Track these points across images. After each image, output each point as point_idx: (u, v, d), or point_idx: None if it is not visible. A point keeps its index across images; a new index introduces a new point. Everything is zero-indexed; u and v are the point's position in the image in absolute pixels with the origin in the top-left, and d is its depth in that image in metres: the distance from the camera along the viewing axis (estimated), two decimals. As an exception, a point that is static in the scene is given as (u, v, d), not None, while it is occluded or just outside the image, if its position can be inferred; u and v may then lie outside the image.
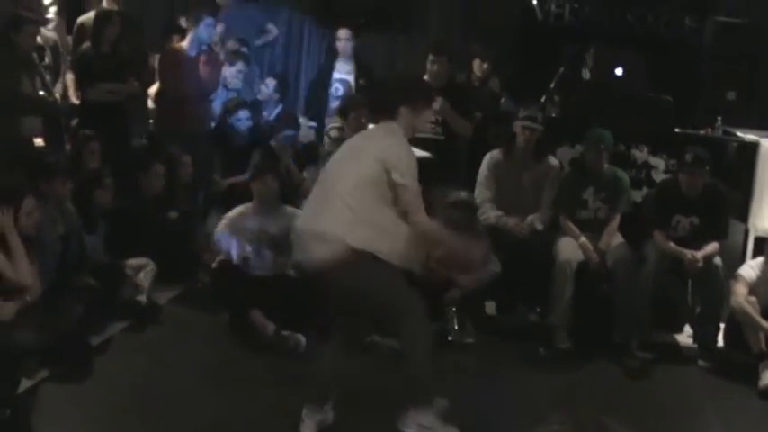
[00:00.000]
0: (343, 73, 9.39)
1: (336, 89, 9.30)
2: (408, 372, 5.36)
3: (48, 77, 7.83)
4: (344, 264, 4.99)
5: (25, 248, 5.78)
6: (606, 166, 7.64)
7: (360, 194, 5.08)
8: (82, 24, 8.83)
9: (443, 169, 7.92)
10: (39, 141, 7.53)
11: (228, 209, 7.64)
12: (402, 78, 6.32)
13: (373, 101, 6.37)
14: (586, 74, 9.48)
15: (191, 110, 8.74)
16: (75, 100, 8.49)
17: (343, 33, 9.42)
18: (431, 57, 8.11)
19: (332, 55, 9.49)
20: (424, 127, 5.57)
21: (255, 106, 9.80)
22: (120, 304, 7.06)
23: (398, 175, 5.12)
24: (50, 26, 8.85)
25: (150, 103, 9.50)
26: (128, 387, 5.90)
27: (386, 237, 5.09)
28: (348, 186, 5.09)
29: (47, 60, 8.24)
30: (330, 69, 9.34)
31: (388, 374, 6.46)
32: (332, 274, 5.07)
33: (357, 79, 9.35)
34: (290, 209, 7.26)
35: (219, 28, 9.80)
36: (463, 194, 7.42)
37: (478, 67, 9.27)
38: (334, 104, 9.17)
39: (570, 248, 7.42)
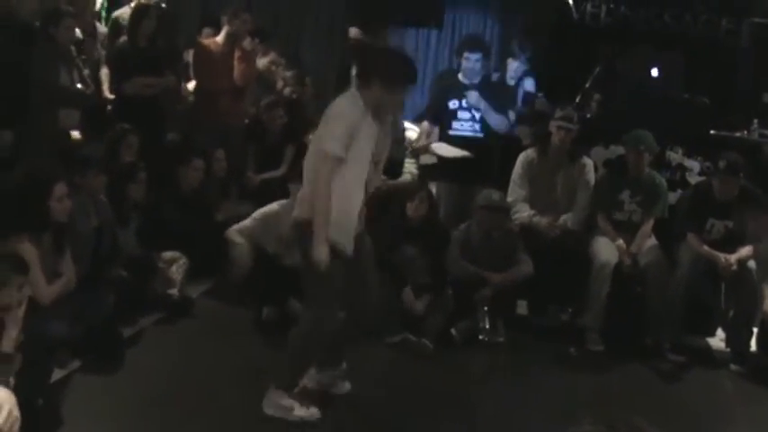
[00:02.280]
0: None
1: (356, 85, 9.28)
2: (287, 351, 5.50)
3: (86, 71, 7.86)
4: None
5: (59, 238, 5.81)
6: (647, 170, 7.58)
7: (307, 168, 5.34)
8: (116, 19, 8.86)
9: (480, 167, 7.93)
10: (75, 134, 7.56)
11: (260, 204, 7.65)
12: (387, 53, 6.26)
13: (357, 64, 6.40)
14: (622, 74, 9.39)
15: (225, 104, 8.76)
16: (108, 94, 8.51)
17: (353, 32, 9.42)
18: (465, 54, 8.12)
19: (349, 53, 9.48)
20: (394, 108, 5.55)
21: (292, 104, 9.81)
22: (152, 297, 7.09)
23: (324, 143, 5.19)
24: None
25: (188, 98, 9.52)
26: (159, 379, 5.92)
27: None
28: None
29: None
30: (350, 66, 9.33)
31: (415, 374, 6.50)
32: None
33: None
34: None
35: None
36: (495, 195, 7.40)
37: (513, 67, 9.24)
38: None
39: (608, 250, 7.39)
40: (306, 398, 5.49)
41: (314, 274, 5.18)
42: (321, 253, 5.13)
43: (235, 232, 7.45)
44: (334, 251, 5.19)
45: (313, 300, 5.39)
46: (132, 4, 8.71)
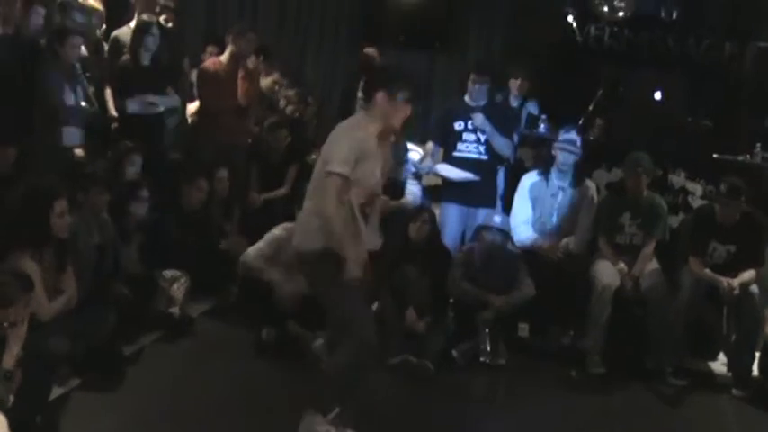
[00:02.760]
0: None
1: (361, 106, 9.30)
2: (329, 376, 5.33)
3: (90, 89, 7.87)
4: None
5: (60, 255, 5.81)
6: (646, 192, 7.59)
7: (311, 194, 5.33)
8: (116, 38, 8.82)
9: (483, 189, 7.93)
10: (79, 152, 7.57)
11: (262, 223, 7.65)
12: (388, 67, 6.28)
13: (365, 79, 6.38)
14: (625, 97, 9.41)
15: (228, 124, 8.76)
16: (113, 112, 8.51)
17: (368, 51, 9.42)
18: (473, 76, 8.15)
19: (358, 71, 9.49)
20: (398, 121, 5.38)
21: (295, 124, 9.83)
22: (153, 315, 7.08)
23: (330, 165, 5.11)
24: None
25: (189, 119, 9.52)
26: (158, 398, 5.91)
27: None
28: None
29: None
30: (356, 86, 9.35)
31: (416, 395, 6.49)
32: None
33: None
34: None
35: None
36: (496, 218, 7.41)
37: (515, 86, 9.25)
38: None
39: (609, 273, 7.38)
40: (342, 421, 5.36)
41: (338, 299, 5.18)
42: (353, 270, 5.07)
43: (255, 258, 7.40)
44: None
45: (347, 324, 5.21)
46: (132, 24, 8.72)
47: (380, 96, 5.27)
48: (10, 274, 4.80)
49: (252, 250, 7.46)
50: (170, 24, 9.32)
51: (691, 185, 8.50)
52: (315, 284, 5.36)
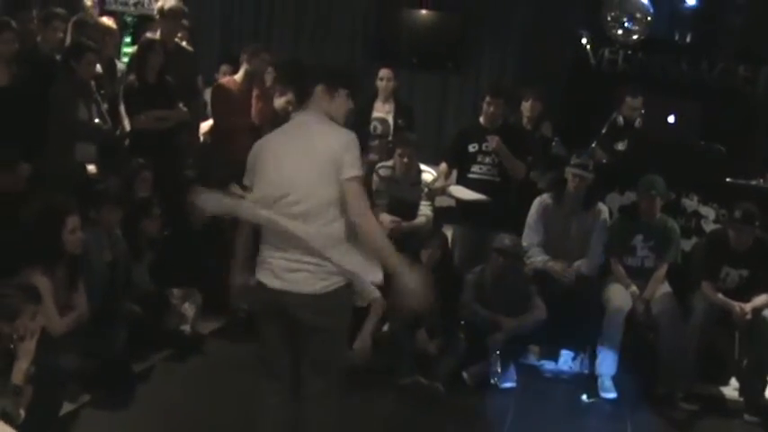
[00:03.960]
0: (381, 112, 9.38)
1: (375, 127, 9.30)
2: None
3: (104, 106, 7.90)
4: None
5: (72, 271, 5.83)
6: (658, 215, 7.58)
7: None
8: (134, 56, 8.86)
9: (496, 211, 7.93)
10: (92, 168, 7.59)
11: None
12: (323, 64, 5.91)
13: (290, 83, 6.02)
14: (638, 121, 9.38)
15: (241, 143, 8.74)
16: (128, 129, 8.54)
17: (383, 73, 9.42)
18: (487, 98, 8.18)
19: (372, 94, 9.50)
20: (339, 117, 4.87)
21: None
22: (163, 333, 7.08)
23: (345, 171, 4.61)
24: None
25: (202, 138, 9.54)
26: (168, 415, 5.92)
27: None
28: None
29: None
30: (370, 108, 9.35)
31: (426, 417, 6.47)
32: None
33: (396, 119, 9.35)
34: None
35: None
36: (507, 240, 7.39)
37: (528, 108, 9.24)
38: (373, 143, 9.19)
39: (621, 296, 7.37)
40: None
41: (339, 334, 4.88)
42: (411, 281, 4.62)
43: None
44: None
45: (334, 363, 4.86)
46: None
47: (320, 89, 4.82)
48: (15, 286, 4.80)
49: None
50: (184, 43, 9.34)
51: (704, 209, 8.47)
52: (328, 331, 4.75)
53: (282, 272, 4.63)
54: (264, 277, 4.69)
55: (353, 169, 4.60)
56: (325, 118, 4.77)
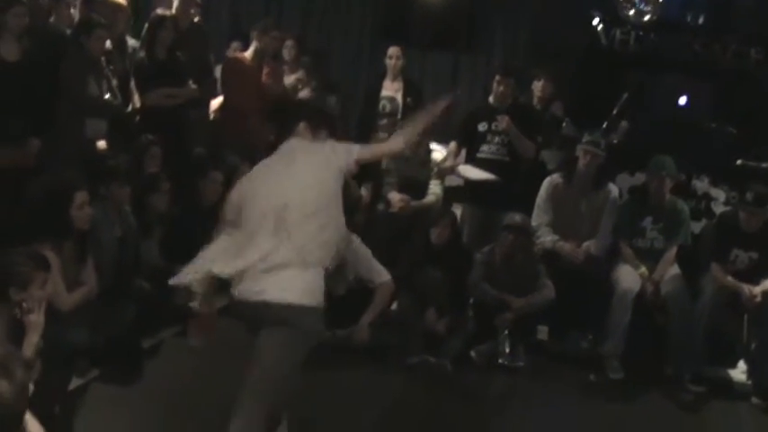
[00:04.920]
0: (390, 91, 9.38)
1: (384, 106, 9.30)
2: None
3: (114, 82, 7.89)
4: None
5: (81, 247, 5.83)
6: (668, 196, 7.55)
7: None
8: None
9: (506, 191, 7.92)
10: (102, 144, 7.59)
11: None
12: (301, 102, 6.05)
13: (272, 119, 6.02)
14: (650, 102, 9.35)
15: (252, 120, 8.76)
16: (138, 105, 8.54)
17: (392, 51, 9.41)
18: (497, 77, 8.20)
19: (381, 72, 9.50)
20: None
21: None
22: (172, 309, 7.08)
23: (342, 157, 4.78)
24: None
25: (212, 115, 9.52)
26: (176, 391, 5.93)
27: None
28: None
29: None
30: (378, 87, 9.35)
31: (434, 395, 6.48)
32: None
33: (404, 98, 9.35)
34: (348, 237, 7.09)
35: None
36: (517, 217, 7.39)
37: (539, 88, 9.22)
38: (382, 122, 9.19)
39: (631, 278, 7.35)
40: None
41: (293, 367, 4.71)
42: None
43: None
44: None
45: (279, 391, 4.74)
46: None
47: (303, 126, 4.95)
48: (26, 254, 4.81)
49: None
50: (197, 19, 9.32)
51: (714, 191, 8.46)
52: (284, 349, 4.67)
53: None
54: None
55: (353, 152, 4.80)
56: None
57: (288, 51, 9.75)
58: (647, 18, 10.77)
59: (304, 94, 9.85)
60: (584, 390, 7.00)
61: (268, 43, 9.01)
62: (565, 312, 7.53)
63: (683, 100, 10.90)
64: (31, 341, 4.53)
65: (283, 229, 4.58)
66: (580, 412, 6.56)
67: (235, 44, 10.05)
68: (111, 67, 7.94)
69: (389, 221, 8.11)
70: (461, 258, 7.43)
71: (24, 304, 4.57)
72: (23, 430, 2.87)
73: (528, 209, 7.76)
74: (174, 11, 8.78)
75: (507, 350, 7.17)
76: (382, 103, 9.30)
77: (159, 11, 8.77)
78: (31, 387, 4.48)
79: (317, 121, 5.00)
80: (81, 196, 5.74)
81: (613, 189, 7.88)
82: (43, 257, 4.92)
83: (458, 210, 8.29)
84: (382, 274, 6.85)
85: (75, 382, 5.52)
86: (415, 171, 8.26)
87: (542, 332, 7.74)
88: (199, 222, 7.66)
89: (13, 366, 2.59)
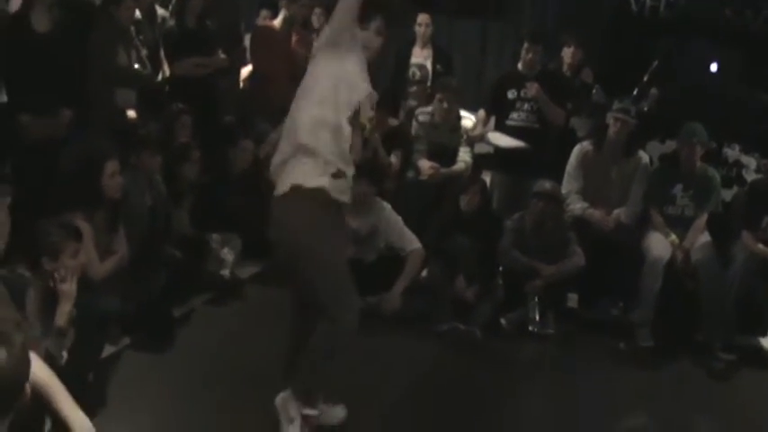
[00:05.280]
0: (420, 58, 9.39)
1: (413, 73, 9.31)
2: (305, 361, 4.88)
3: (144, 51, 7.90)
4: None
5: (112, 216, 5.87)
6: (699, 164, 7.50)
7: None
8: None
9: (536, 158, 7.91)
10: (132, 114, 7.62)
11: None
12: None
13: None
14: (681, 69, 9.29)
15: (281, 88, 8.74)
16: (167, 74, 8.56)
17: (422, 18, 9.40)
18: (526, 45, 8.16)
19: (410, 39, 9.48)
20: (372, 52, 4.77)
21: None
22: (203, 277, 7.13)
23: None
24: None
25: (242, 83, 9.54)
26: (207, 359, 5.97)
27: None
28: None
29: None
30: (408, 54, 9.35)
31: (464, 362, 6.50)
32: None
33: (434, 65, 9.35)
34: (379, 204, 7.14)
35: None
36: (548, 184, 7.36)
37: (569, 55, 9.17)
38: (412, 89, 9.20)
39: (661, 245, 7.31)
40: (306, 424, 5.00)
41: (325, 271, 4.68)
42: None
43: None
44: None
45: (330, 305, 4.69)
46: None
47: (376, 23, 4.74)
48: (57, 224, 4.85)
49: None
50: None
51: (745, 159, 8.42)
52: (300, 242, 4.65)
53: None
54: None
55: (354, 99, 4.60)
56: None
57: (317, 18, 9.73)
58: (677, -16, 10.69)
59: None
60: (613, 357, 6.98)
61: (297, 11, 9.01)
62: (595, 280, 7.51)
63: (713, 66, 10.83)
64: (64, 310, 4.57)
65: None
66: (609, 380, 6.55)
67: (264, 12, 10.04)
68: (141, 37, 7.97)
69: (419, 189, 8.11)
70: (491, 226, 7.43)
71: (56, 274, 4.61)
72: (26, 396, 2.84)
73: (558, 176, 7.72)
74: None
75: (537, 317, 7.17)
76: (412, 69, 9.30)
77: None
78: (65, 355, 4.56)
79: (368, 19, 4.72)
80: (112, 165, 5.78)
81: (644, 156, 7.82)
82: (74, 227, 4.96)
83: (487, 177, 8.29)
84: (413, 242, 6.88)
85: (107, 350, 5.55)
86: (444, 138, 8.26)
87: (572, 299, 7.72)
88: (229, 191, 7.72)
89: (11, 333, 2.54)
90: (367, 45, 4.74)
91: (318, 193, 4.58)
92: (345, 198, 4.72)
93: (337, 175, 4.60)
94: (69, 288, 4.61)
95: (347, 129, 4.58)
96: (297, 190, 4.59)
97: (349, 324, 4.70)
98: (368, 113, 4.78)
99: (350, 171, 4.68)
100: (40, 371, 3.73)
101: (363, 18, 4.68)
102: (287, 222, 4.66)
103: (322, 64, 4.69)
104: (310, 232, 4.62)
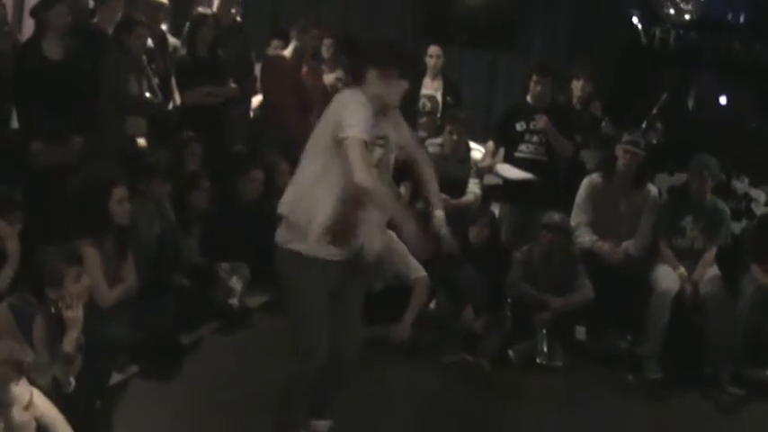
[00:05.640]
0: (430, 89, 9.42)
1: (423, 104, 9.34)
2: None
3: (155, 80, 7.94)
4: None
5: (121, 243, 5.88)
6: (709, 196, 7.51)
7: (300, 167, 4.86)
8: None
9: (544, 190, 7.91)
10: (142, 142, 7.64)
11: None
12: (377, 41, 5.80)
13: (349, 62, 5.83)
14: (690, 101, 9.30)
15: (291, 118, 8.78)
16: (177, 103, 8.59)
17: (433, 50, 9.44)
18: (534, 77, 8.17)
19: (421, 71, 9.51)
20: (394, 101, 4.81)
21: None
22: (211, 306, 7.13)
23: (343, 128, 4.50)
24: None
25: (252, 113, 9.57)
26: (215, 388, 5.96)
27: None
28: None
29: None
30: (418, 85, 9.37)
31: (471, 394, 6.48)
32: None
33: (444, 96, 9.38)
34: (386, 234, 7.09)
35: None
36: (557, 216, 7.37)
37: (578, 87, 9.20)
38: (422, 120, 9.22)
39: (669, 278, 7.31)
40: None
41: (296, 296, 4.81)
42: (413, 236, 4.62)
43: None
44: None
45: (294, 330, 4.92)
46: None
47: (372, 74, 4.72)
48: (55, 252, 4.84)
49: None
50: (237, 18, 9.38)
51: (754, 192, 8.41)
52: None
53: None
54: None
55: (350, 129, 4.47)
56: (360, 92, 4.69)
57: (326, 50, 9.77)
58: (687, 17, 10.72)
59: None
60: (621, 390, 6.97)
61: (307, 41, 9.03)
62: (603, 312, 7.49)
63: (723, 99, 10.84)
64: (71, 337, 4.57)
65: None
66: (617, 413, 6.53)
67: (276, 42, 10.08)
68: (152, 66, 8.00)
69: (428, 220, 8.09)
70: (500, 257, 7.43)
71: (60, 303, 4.61)
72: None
73: (567, 208, 7.73)
74: (215, 9, 8.84)
75: (545, 349, 7.16)
76: (422, 101, 9.33)
77: (201, 9, 8.84)
78: (72, 382, 4.56)
79: (388, 64, 4.72)
80: (120, 191, 5.78)
81: (653, 189, 7.83)
82: (73, 251, 4.96)
83: (496, 209, 8.29)
84: (418, 270, 6.88)
85: (114, 378, 5.55)
86: (453, 170, 8.26)
87: (580, 332, 7.71)
88: (238, 220, 7.72)
89: None
90: (389, 99, 4.80)
91: None
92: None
93: None
94: (75, 314, 4.61)
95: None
96: None
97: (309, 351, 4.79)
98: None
99: None
100: (45, 407, 3.75)
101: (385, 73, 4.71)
102: None
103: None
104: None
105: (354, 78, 4.89)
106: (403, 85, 4.81)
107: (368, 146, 4.54)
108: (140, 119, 7.69)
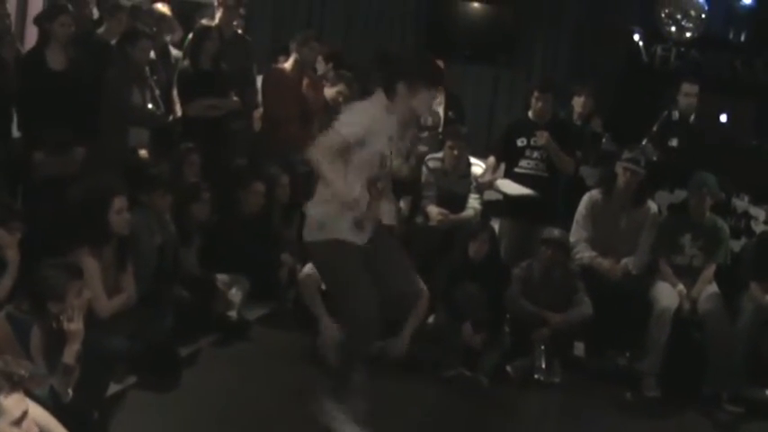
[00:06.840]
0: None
1: (425, 119, 9.34)
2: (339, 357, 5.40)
3: (157, 91, 7.96)
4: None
5: (121, 254, 5.88)
6: (708, 214, 7.52)
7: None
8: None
9: (544, 206, 7.92)
10: (143, 153, 7.65)
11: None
12: (406, 56, 6.23)
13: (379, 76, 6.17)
14: (693, 117, 9.29)
15: (291, 131, 8.78)
16: (179, 114, 8.60)
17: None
18: (536, 93, 8.20)
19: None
20: (423, 111, 5.38)
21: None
22: (210, 318, 7.12)
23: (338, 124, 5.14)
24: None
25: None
26: (213, 400, 5.95)
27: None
28: None
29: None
30: None
31: (469, 409, 6.47)
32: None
33: (446, 111, 9.39)
34: None
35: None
36: (556, 232, 7.38)
37: (579, 104, 9.21)
38: (423, 134, 9.23)
39: (668, 295, 7.31)
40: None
41: (340, 272, 5.22)
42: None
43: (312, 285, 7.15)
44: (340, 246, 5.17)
45: (344, 301, 5.26)
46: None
47: (401, 87, 5.13)
48: (56, 266, 4.85)
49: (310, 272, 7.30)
50: (240, 30, 9.40)
51: (754, 210, 8.40)
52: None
53: None
54: None
55: (342, 126, 5.09)
56: (379, 105, 5.17)
57: (321, 66, 9.77)
58: (688, 35, 10.75)
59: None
60: (620, 407, 6.96)
61: (308, 54, 9.03)
62: (602, 329, 7.49)
63: (723, 117, 10.85)
64: (72, 349, 4.57)
65: None
66: (615, 429, 6.53)
67: (281, 59, 10.10)
68: (155, 77, 8.02)
69: (428, 235, 8.12)
70: (499, 273, 7.43)
71: (61, 317, 4.61)
72: None
73: (566, 224, 7.73)
74: (218, 21, 8.86)
75: (543, 366, 7.15)
76: (424, 116, 9.33)
77: (204, 21, 8.85)
78: (70, 392, 4.55)
79: (417, 79, 5.14)
80: (119, 201, 5.78)
81: (653, 206, 7.84)
82: (75, 265, 4.97)
83: (496, 224, 8.29)
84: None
85: (112, 389, 5.54)
86: (454, 185, 8.28)
87: (579, 348, 7.69)
88: (238, 232, 7.73)
89: None
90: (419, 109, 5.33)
91: None
92: None
93: None
94: (77, 327, 4.62)
95: None
96: None
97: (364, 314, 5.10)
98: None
99: None
100: (42, 418, 3.73)
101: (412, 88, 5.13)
102: None
103: None
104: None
105: (386, 93, 5.18)
106: (431, 95, 5.30)
107: (350, 148, 5.05)
108: (143, 130, 7.71)
